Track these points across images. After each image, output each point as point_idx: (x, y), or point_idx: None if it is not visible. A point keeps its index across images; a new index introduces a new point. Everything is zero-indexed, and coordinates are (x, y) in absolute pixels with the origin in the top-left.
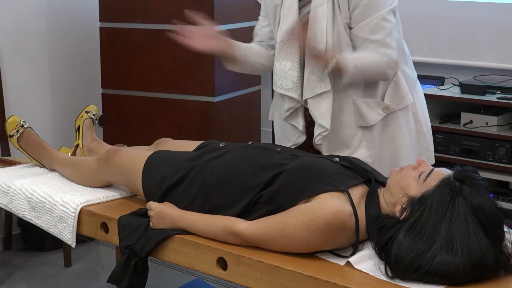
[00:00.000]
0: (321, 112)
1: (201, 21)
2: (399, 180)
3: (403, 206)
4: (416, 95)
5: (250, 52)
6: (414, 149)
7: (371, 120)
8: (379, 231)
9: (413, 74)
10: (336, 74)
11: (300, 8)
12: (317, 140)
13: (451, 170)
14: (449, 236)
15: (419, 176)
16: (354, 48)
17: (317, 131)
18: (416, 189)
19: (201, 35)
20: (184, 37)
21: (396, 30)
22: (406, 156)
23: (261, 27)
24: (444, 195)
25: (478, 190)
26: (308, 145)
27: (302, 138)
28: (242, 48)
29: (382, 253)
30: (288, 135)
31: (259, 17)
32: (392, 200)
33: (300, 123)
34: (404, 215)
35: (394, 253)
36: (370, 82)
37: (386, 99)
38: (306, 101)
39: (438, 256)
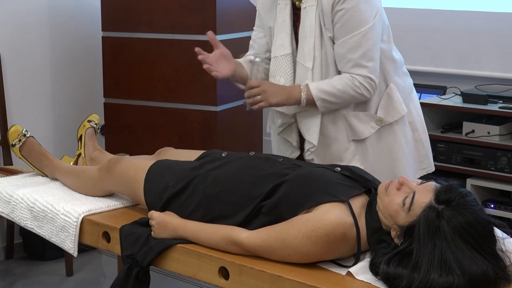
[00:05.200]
0: (309, 128)
1: (216, 41)
2: (386, 206)
3: (398, 234)
4: (412, 103)
5: (251, 67)
6: (413, 158)
7: (363, 134)
8: (377, 251)
9: (408, 82)
10: (310, 104)
11: (294, 22)
12: (306, 155)
13: (437, 183)
14: (445, 264)
15: (403, 204)
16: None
17: (306, 146)
18: (403, 218)
19: (221, 60)
20: (210, 67)
21: (377, 48)
22: (405, 167)
23: (257, 38)
24: (429, 225)
25: (459, 210)
26: (303, 159)
27: (296, 153)
28: (246, 66)
29: (378, 276)
30: (283, 150)
31: (254, 28)
32: (385, 221)
33: (294, 138)
34: (399, 242)
35: (393, 283)
36: None
37: (380, 112)
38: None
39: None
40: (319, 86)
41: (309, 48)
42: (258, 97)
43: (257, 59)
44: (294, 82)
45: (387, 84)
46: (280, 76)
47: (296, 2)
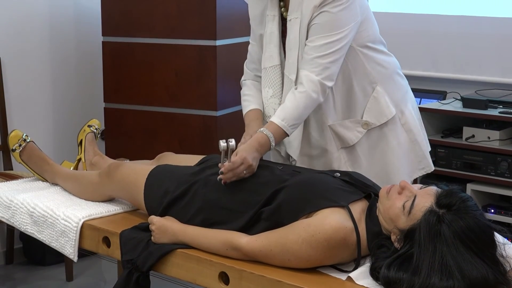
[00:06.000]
0: (290, 141)
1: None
2: (387, 210)
3: (398, 237)
4: (405, 105)
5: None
6: (408, 160)
7: (352, 140)
8: (377, 255)
9: (402, 84)
10: (281, 139)
11: (283, 33)
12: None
13: (437, 188)
14: (445, 268)
15: (404, 207)
16: None
17: (291, 157)
18: (404, 222)
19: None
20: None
21: (343, 55)
22: (399, 169)
23: (252, 51)
24: (430, 229)
25: (460, 215)
26: None
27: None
28: (260, 116)
29: (378, 281)
30: (273, 159)
31: (250, 41)
32: (386, 225)
33: (282, 149)
34: (399, 246)
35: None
36: (347, 102)
37: (365, 116)
38: None
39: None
40: (281, 116)
41: (293, 61)
42: (244, 172)
43: (232, 143)
44: (282, 93)
45: (373, 88)
46: (268, 87)
47: (284, 14)
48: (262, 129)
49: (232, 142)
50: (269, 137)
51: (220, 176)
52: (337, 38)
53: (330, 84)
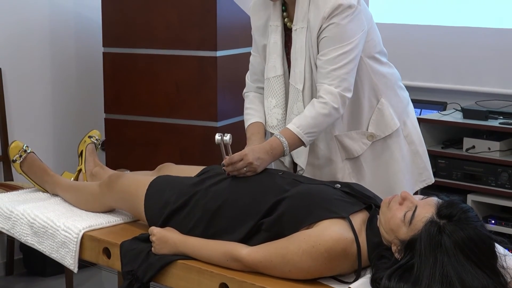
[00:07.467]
0: (298, 150)
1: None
2: (388, 220)
3: (399, 248)
4: (408, 117)
5: (263, 114)
6: (410, 171)
7: (356, 151)
8: (377, 266)
9: (404, 96)
10: (296, 146)
11: (286, 43)
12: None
13: (438, 199)
14: (446, 278)
15: (405, 217)
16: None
17: (298, 168)
18: (404, 233)
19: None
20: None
21: (355, 65)
22: (402, 181)
23: (254, 62)
24: (431, 240)
25: (461, 225)
26: None
27: None
28: (261, 126)
29: None
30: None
31: (251, 52)
32: (386, 236)
33: (286, 159)
34: (400, 257)
35: None
36: (353, 114)
37: (371, 127)
38: None
39: None
40: (297, 123)
41: (300, 70)
42: (245, 169)
43: (226, 138)
44: (286, 103)
45: (378, 99)
46: (271, 97)
47: (288, 24)
48: (276, 133)
49: (227, 136)
50: (282, 141)
51: (223, 168)
52: (348, 49)
53: (349, 95)
